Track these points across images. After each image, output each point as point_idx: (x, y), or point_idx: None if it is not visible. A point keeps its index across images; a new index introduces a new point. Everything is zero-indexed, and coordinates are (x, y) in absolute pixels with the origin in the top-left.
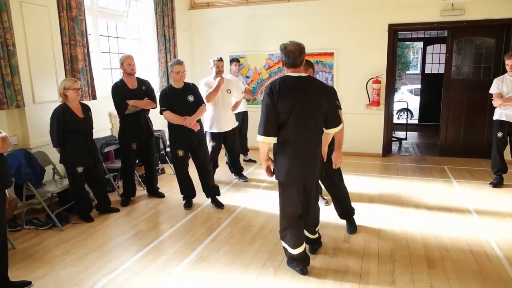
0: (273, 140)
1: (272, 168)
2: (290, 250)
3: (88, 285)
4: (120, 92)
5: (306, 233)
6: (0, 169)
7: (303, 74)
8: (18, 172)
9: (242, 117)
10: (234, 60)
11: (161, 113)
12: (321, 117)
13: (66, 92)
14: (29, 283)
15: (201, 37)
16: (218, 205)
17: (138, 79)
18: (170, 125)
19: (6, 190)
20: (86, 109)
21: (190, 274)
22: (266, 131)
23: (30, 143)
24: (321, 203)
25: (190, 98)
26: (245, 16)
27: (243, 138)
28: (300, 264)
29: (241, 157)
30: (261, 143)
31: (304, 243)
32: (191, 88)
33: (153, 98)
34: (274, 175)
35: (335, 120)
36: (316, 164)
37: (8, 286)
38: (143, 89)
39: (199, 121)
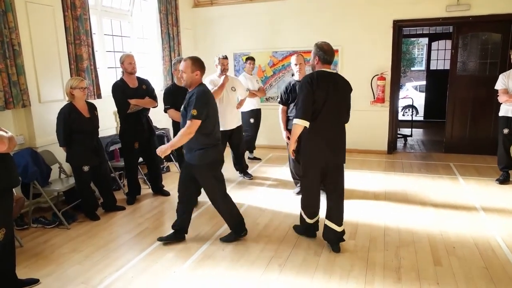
0: (307, 124)
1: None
2: (306, 218)
3: (95, 282)
4: (122, 92)
5: (332, 226)
6: (7, 169)
7: (334, 71)
8: (24, 171)
9: (256, 115)
10: (249, 59)
11: (165, 111)
12: (345, 110)
13: (73, 91)
14: (37, 281)
15: (205, 35)
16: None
17: (138, 78)
18: (175, 124)
19: (13, 189)
20: (92, 108)
21: (195, 272)
22: (304, 115)
23: (36, 142)
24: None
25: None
26: (249, 14)
27: (254, 136)
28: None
29: (246, 154)
30: (297, 126)
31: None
32: None
33: (154, 97)
34: (296, 156)
35: (348, 115)
36: (342, 152)
37: (16, 284)
38: (144, 88)
39: None
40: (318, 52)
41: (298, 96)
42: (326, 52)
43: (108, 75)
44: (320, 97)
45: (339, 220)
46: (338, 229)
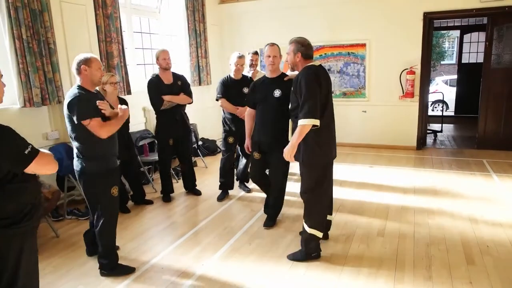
0: (317, 123)
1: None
2: (318, 234)
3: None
4: (156, 88)
5: (328, 217)
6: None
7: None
8: (60, 165)
9: None
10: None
11: (217, 99)
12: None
13: (104, 86)
14: (133, 269)
15: (231, 31)
16: (244, 189)
17: (174, 74)
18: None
19: (49, 184)
20: (123, 104)
21: (223, 265)
22: (315, 113)
23: None
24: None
25: (245, 90)
26: (276, 9)
27: None
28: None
29: None
30: (306, 126)
31: None
32: (248, 81)
33: (189, 94)
34: (306, 159)
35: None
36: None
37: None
38: (179, 84)
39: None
40: (300, 48)
41: (303, 94)
42: (307, 47)
43: (138, 71)
44: (324, 92)
45: (331, 210)
46: (331, 218)
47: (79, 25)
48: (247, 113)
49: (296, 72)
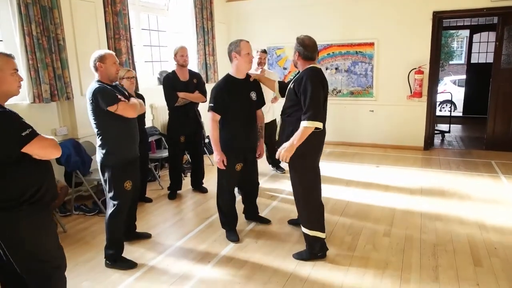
0: (321, 126)
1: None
2: (321, 235)
3: (133, 269)
4: (171, 84)
5: None
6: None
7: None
8: (67, 160)
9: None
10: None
11: None
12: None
13: (121, 81)
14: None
15: (238, 29)
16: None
17: (190, 72)
18: None
19: (57, 179)
20: (140, 99)
21: (229, 263)
22: (319, 117)
23: (78, 133)
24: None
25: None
26: (283, 7)
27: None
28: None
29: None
30: (309, 129)
31: None
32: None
33: (203, 92)
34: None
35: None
36: None
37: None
38: (195, 82)
39: None
40: (298, 47)
41: (308, 96)
42: (306, 47)
43: (146, 69)
44: (325, 94)
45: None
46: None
47: (88, 22)
48: (215, 120)
49: (254, 72)
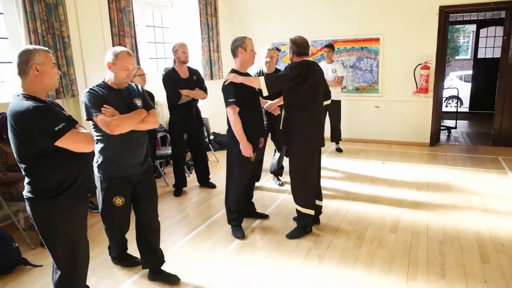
0: (266, 93)
1: None
2: (311, 212)
3: (139, 266)
4: (173, 82)
5: (319, 203)
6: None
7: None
8: None
9: (334, 107)
10: (327, 46)
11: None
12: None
13: (133, 79)
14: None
15: (243, 25)
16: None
17: (189, 69)
18: None
19: None
20: (150, 97)
21: (235, 259)
22: (270, 89)
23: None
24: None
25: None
26: (287, 3)
27: (336, 128)
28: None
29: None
30: (257, 83)
31: None
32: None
33: (204, 89)
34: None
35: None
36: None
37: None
38: (195, 79)
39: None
40: (292, 46)
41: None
42: (298, 45)
43: (150, 65)
44: (310, 83)
45: (320, 196)
46: (320, 203)
47: (93, 19)
48: (236, 113)
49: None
